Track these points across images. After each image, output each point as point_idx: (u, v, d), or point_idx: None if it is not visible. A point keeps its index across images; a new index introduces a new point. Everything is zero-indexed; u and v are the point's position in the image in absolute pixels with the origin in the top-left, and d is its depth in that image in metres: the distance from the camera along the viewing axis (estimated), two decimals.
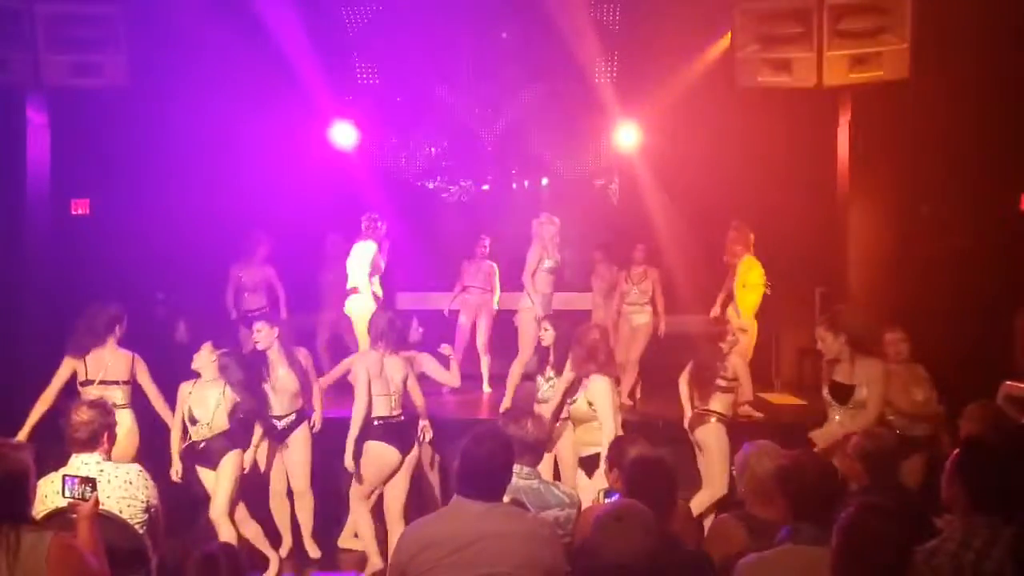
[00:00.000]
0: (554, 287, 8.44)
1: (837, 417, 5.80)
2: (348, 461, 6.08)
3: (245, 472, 6.19)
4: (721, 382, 6.38)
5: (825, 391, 5.91)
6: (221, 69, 8.66)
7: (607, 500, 4.04)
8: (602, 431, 5.49)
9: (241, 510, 6.24)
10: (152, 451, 6.15)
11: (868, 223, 8.27)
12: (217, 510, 5.95)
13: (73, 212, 8.76)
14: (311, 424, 6.61)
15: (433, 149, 11.16)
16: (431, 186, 11.21)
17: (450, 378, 6.89)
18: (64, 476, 3.69)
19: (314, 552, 6.65)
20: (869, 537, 2.71)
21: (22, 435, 5.81)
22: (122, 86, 7.83)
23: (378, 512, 6.45)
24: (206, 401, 6.07)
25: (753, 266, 8.22)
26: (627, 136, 9.89)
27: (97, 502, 3.65)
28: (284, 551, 6.63)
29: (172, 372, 6.66)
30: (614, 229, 10.02)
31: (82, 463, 4.13)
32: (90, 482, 3.64)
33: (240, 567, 3.45)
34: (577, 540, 3.89)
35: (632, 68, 10.03)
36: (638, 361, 8.65)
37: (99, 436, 4.19)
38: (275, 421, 6.46)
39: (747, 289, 8.20)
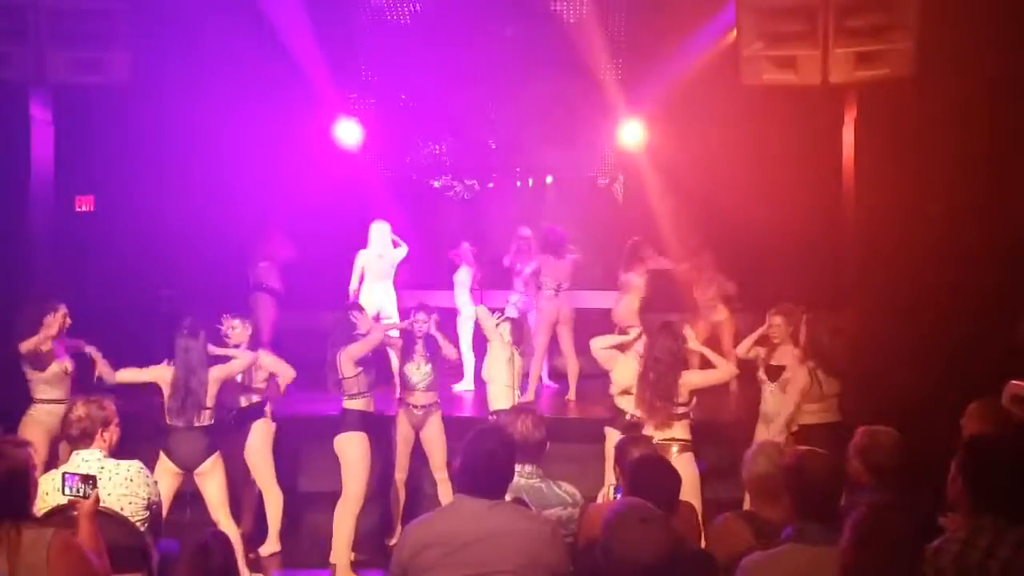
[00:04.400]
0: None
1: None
2: None
3: None
4: (679, 409, 6.05)
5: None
6: (225, 66, 8.66)
7: (615, 495, 4.02)
8: None
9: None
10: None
11: (874, 221, 8.23)
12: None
13: (77, 209, 8.78)
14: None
15: (437, 147, 11.15)
16: (435, 184, 11.20)
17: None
18: (64, 474, 3.68)
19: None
20: (885, 537, 2.68)
21: None
22: (126, 82, 7.79)
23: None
24: None
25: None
26: (632, 134, 9.86)
27: (98, 499, 3.64)
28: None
29: None
30: (619, 227, 10.00)
31: (83, 460, 4.12)
32: (90, 479, 3.63)
33: (231, 556, 3.46)
34: (582, 539, 3.84)
35: (637, 66, 10.00)
36: None
37: (92, 433, 4.17)
38: None
39: None
